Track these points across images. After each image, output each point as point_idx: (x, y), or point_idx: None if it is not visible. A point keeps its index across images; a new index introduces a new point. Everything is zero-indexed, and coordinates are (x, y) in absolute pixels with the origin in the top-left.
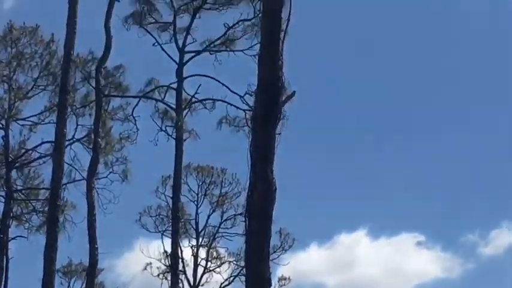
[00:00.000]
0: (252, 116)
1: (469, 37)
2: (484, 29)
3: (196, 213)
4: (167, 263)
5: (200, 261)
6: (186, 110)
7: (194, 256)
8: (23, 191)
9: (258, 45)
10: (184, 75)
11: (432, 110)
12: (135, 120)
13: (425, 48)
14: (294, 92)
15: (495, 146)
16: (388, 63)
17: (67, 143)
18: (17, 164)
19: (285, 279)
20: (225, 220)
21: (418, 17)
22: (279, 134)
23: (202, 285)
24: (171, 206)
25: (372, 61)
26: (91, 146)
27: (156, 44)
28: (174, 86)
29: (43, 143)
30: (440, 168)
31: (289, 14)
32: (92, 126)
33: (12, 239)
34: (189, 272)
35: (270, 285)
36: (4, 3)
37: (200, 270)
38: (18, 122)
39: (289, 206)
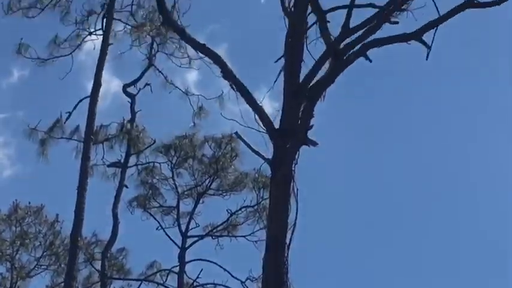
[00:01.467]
0: None
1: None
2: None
3: None
4: None
5: None
6: None
7: None
8: None
9: (260, 231)
10: (187, 259)
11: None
12: None
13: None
14: None
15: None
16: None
17: None
18: None
19: None
20: None
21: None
22: None
23: None
24: None
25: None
26: None
27: (160, 228)
28: (176, 269)
29: None
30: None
31: (297, 212)
32: None
33: None
34: None
35: None
36: (4, 172)
37: None
38: None
39: None
